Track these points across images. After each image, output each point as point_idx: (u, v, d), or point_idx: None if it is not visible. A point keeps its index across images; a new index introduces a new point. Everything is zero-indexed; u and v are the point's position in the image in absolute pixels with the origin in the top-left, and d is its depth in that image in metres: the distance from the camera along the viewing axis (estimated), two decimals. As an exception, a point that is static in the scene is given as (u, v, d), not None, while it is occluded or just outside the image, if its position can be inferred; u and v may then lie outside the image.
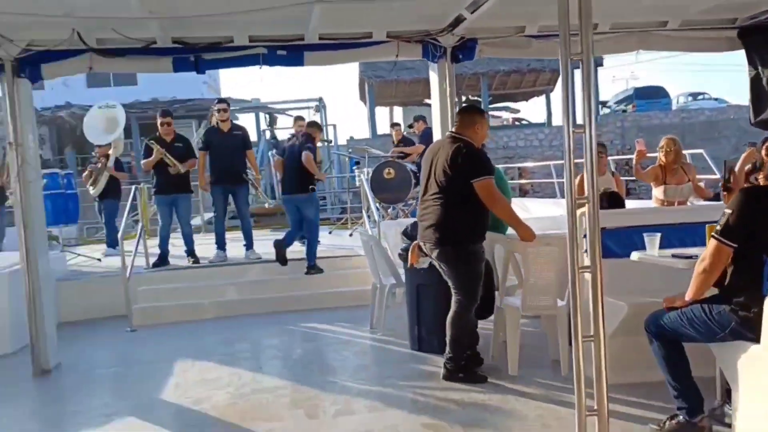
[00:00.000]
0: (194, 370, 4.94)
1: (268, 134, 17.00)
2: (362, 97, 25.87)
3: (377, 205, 8.39)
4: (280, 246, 7.11)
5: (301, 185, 7.19)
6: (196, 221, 10.40)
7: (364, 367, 4.93)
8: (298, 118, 9.58)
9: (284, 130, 19.52)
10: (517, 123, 29.67)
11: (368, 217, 8.58)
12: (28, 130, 4.97)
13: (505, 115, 30.18)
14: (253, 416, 3.84)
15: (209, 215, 12.96)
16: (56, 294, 5.97)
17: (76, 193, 9.21)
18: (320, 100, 18.39)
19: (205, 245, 8.07)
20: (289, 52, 5.10)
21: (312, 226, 7.29)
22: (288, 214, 7.52)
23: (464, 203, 4.06)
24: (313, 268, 7.21)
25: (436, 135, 5.48)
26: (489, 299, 4.45)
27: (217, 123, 7.71)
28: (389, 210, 9.68)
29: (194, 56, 4.98)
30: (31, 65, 4.80)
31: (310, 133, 7.53)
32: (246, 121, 20.45)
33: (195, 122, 19.96)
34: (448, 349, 4.21)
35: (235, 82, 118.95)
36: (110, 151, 9.25)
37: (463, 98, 25.45)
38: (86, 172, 9.02)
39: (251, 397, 4.18)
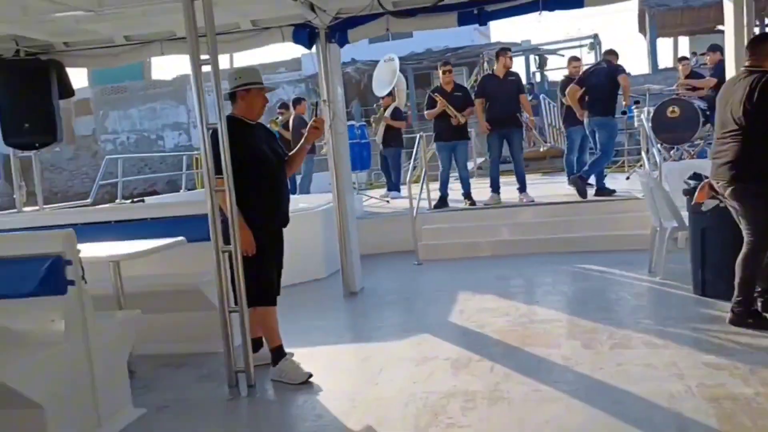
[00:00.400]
0: (474, 300, 5.46)
1: (538, 77, 16.85)
2: (641, 29, 23.97)
3: (658, 146, 8.01)
4: (580, 178, 7.65)
5: (606, 108, 7.73)
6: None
7: (642, 308, 4.96)
8: (573, 59, 9.46)
9: (556, 71, 19.11)
10: None
11: (647, 159, 8.25)
12: (337, 88, 5.82)
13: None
14: (531, 342, 4.18)
15: (479, 160, 13.54)
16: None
17: (368, 142, 10.34)
18: (595, 37, 17.58)
19: (478, 188, 8.57)
20: (569, -5, 5.15)
21: (606, 149, 7.74)
22: (590, 139, 8.14)
23: (765, 139, 3.84)
24: (602, 190, 7.65)
25: (730, 68, 5.09)
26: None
27: (492, 70, 8.05)
28: (672, 152, 9.13)
29: (477, 9, 5.31)
30: (339, 31, 5.59)
31: (610, 60, 7.90)
32: (515, 65, 20.47)
33: (466, 69, 20.56)
34: (736, 292, 4.06)
35: (512, 25, 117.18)
36: (394, 102, 10.20)
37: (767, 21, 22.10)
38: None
39: (529, 326, 4.53)
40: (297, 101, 10.33)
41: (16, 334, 3.20)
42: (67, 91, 6.00)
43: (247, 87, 3.86)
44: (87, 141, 30.94)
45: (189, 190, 10.96)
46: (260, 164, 3.88)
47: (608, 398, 3.23)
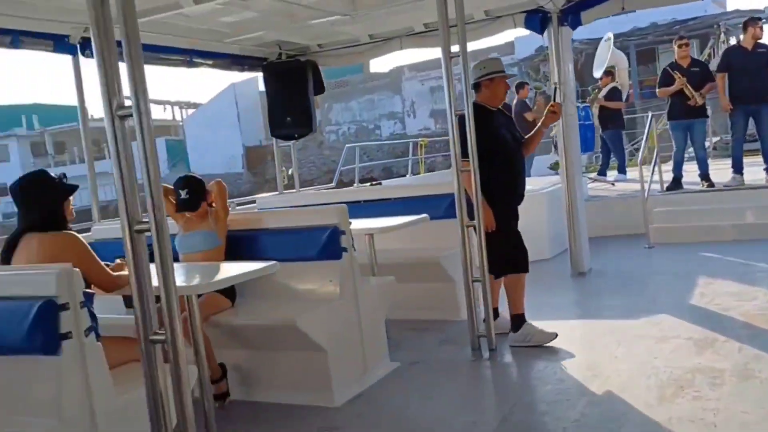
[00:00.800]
0: (716, 284, 5.22)
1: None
2: None
3: None
4: None
5: None
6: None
7: None
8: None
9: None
10: None
11: None
12: (568, 71, 5.90)
13: None
14: (786, 327, 3.97)
15: (715, 139, 12.52)
16: (583, 212, 6.96)
17: (591, 123, 10.14)
18: None
19: (716, 169, 8.03)
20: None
21: None
22: None
23: None
24: None
25: None
26: None
27: (738, 41, 7.46)
28: None
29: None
30: (572, 13, 5.65)
31: None
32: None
33: (697, 42, 18.98)
34: None
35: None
36: (612, 82, 9.91)
37: None
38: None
39: (781, 311, 4.28)
40: (520, 86, 10.46)
41: (302, 291, 3.84)
42: (320, 87, 6.80)
43: (491, 76, 4.16)
44: (313, 132, 33.91)
45: (414, 174, 11.65)
46: (501, 148, 4.17)
47: None
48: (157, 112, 44.14)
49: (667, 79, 7.69)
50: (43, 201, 2.84)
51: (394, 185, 8.72)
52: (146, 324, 2.12)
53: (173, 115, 41.87)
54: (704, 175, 7.64)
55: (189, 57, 6.03)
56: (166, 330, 2.11)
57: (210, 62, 6.29)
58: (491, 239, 4.01)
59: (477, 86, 4.21)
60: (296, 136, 6.88)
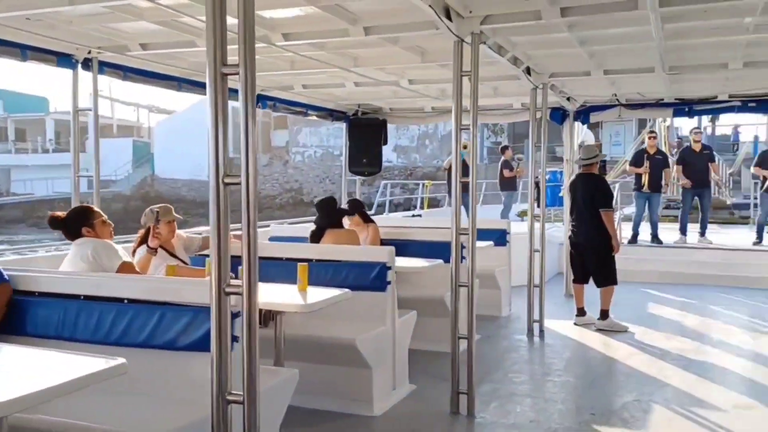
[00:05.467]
0: (658, 308, 7.70)
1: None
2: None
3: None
4: None
5: None
6: None
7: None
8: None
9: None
10: None
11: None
12: (575, 149, 8.35)
13: None
14: None
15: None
16: None
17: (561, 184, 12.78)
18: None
19: (662, 230, 10.71)
20: None
21: None
22: None
23: None
24: None
25: None
26: None
27: (689, 144, 10.34)
28: None
29: (688, 107, 7.64)
30: (584, 114, 8.13)
31: None
32: None
33: (637, 121, 22.23)
34: None
35: None
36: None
37: None
38: None
39: None
40: (504, 148, 13.11)
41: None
42: (386, 140, 8.99)
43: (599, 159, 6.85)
44: (280, 152, 35.67)
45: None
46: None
47: None
48: (126, 113, 44.73)
49: (637, 162, 10.35)
50: None
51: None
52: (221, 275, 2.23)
53: (138, 118, 42.69)
54: (655, 235, 10.28)
55: (305, 109, 8.14)
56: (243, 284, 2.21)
57: (316, 113, 8.39)
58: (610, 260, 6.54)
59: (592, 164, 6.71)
60: (367, 173, 9.04)
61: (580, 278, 6.86)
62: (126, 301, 3.13)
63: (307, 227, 7.04)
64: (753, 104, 7.37)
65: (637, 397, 4.70)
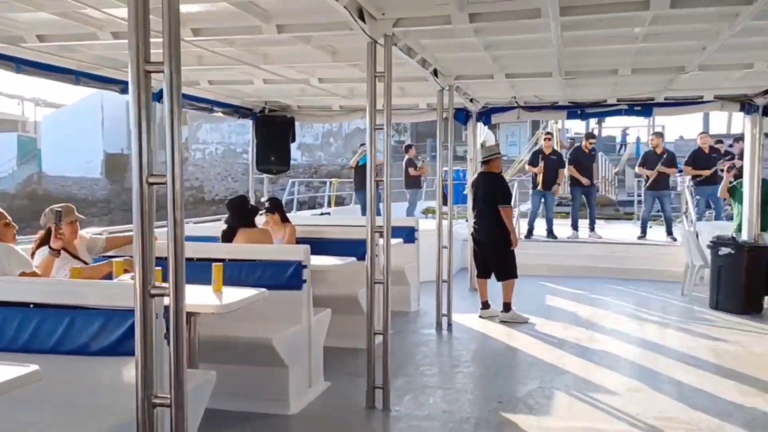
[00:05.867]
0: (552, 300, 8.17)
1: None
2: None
3: (695, 208, 10.66)
4: None
5: None
6: None
7: (666, 311, 7.63)
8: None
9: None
10: None
11: (686, 216, 10.89)
12: (477, 146, 8.67)
13: None
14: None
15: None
16: None
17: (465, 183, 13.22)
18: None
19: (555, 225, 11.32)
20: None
21: None
22: None
23: None
24: None
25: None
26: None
27: (580, 145, 10.96)
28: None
29: (580, 110, 8.12)
30: (485, 115, 8.46)
31: None
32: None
33: (530, 122, 23.31)
34: None
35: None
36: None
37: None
38: None
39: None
40: (408, 147, 13.34)
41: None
42: (293, 138, 8.95)
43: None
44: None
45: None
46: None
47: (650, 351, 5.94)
48: (9, 106, 41.72)
49: (534, 162, 10.89)
50: None
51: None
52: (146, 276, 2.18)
53: (23, 111, 39.95)
54: (550, 230, 10.83)
55: (210, 106, 7.96)
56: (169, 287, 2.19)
57: (222, 110, 8.22)
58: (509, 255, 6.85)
59: (488, 161, 6.96)
60: (275, 171, 8.96)
61: (482, 273, 7.16)
62: (32, 305, 2.98)
63: (213, 226, 6.97)
64: (638, 108, 7.95)
65: (539, 385, 4.98)
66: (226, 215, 5.54)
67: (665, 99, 7.88)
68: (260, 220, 5.88)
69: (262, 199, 9.46)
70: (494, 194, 6.81)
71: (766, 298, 7.32)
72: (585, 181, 10.71)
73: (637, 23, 4.65)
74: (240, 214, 5.33)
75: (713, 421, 4.24)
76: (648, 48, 5.39)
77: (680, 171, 11.62)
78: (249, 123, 8.84)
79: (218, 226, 7.13)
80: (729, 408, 4.48)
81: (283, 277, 4.61)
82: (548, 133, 11.42)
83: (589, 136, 11.14)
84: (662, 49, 5.53)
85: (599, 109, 8.11)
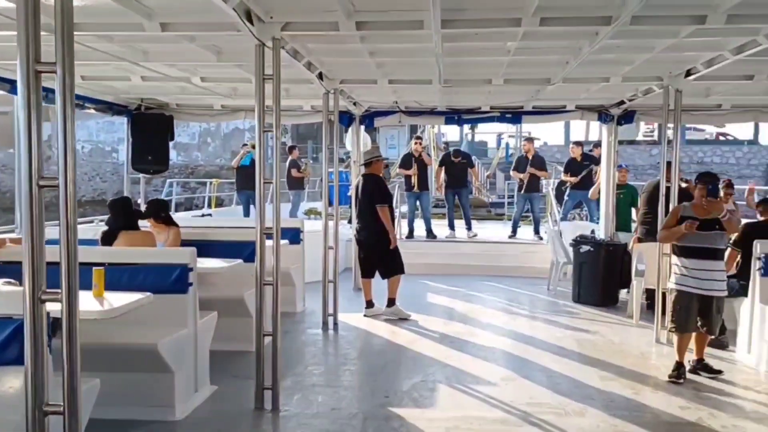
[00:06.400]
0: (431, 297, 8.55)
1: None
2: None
3: (558, 209, 11.50)
4: None
5: None
6: None
7: (534, 305, 8.21)
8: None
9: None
10: (721, 138, 29.71)
11: (551, 216, 11.72)
12: (361, 148, 8.86)
13: (709, 128, 28.23)
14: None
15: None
16: None
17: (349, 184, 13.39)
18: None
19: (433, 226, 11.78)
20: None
21: None
22: None
23: None
24: None
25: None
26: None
27: (449, 153, 11.43)
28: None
29: (457, 116, 8.54)
30: (368, 118, 8.67)
31: None
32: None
33: (408, 127, 23.96)
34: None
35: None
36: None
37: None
38: None
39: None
40: (292, 148, 13.36)
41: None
42: (172, 136, 8.69)
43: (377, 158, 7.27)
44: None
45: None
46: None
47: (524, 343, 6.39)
48: None
49: (405, 164, 11.27)
50: None
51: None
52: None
53: None
54: (429, 230, 11.24)
55: (82, 102, 7.55)
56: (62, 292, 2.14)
57: (94, 106, 7.83)
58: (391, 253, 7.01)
59: (369, 164, 7.11)
60: (152, 171, 8.64)
61: (366, 273, 7.35)
62: None
63: (85, 228, 6.64)
64: (509, 115, 8.49)
65: (423, 378, 5.22)
66: (97, 217, 5.34)
67: (533, 108, 8.47)
68: (144, 221, 5.70)
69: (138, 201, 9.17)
70: (372, 195, 7.02)
71: (621, 291, 8.08)
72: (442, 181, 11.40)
73: (510, 38, 4.99)
74: (122, 216, 5.15)
75: (578, 405, 4.66)
76: (519, 61, 5.79)
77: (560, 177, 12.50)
78: (119, 120, 8.45)
79: (89, 228, 6.86)
80: (591, 392, 4.94)
81: (168, 280, 4.51)
82: (418, 137, 11.87)
83: (457, 153, 11.65)
84: (531, 63, 5.96)
85: (474, 116, 8.58)
